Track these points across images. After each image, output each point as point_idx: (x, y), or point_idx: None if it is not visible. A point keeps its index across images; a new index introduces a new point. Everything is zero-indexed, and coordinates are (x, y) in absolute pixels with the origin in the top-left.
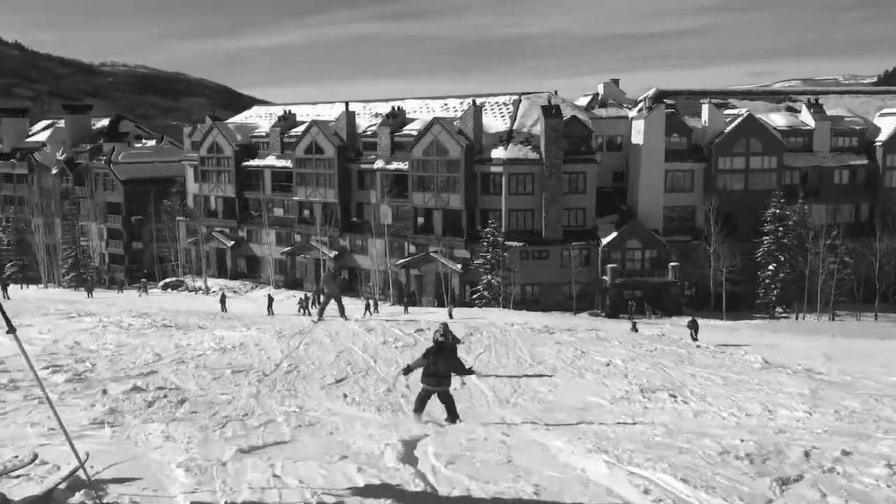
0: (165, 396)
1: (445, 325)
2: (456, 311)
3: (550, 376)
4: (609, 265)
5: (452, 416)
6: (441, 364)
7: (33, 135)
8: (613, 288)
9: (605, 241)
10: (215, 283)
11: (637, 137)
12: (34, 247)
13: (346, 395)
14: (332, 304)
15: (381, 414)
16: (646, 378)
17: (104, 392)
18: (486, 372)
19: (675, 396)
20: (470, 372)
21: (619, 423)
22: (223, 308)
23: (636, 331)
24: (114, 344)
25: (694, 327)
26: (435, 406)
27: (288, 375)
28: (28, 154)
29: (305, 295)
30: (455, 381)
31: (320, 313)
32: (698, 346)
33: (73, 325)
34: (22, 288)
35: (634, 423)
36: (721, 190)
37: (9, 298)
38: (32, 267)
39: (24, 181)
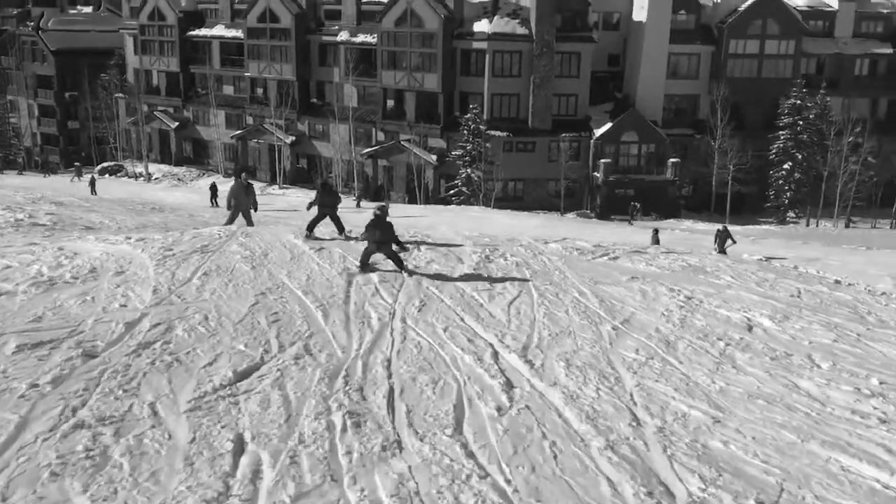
0: None
1: (383, 207)
2: (414, 208)
3: (683, 373)
4: (602, 160)
5: (399, 266)
6: (379, 234)
7: None
8: (606, 186)
9: (598, 132)
10: (158, 169)
11: (639, 14)
12: None
13: (231, 478)
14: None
15: None
16: (874, 377)
17: None
18: (542, 348)
19: None
20: (405, 247)
21: None
22: (93, 191)
23: (658, 242)
24: None
25: (723, 238)
26: None
27: (136, 360)
28: None
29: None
30: (505, 398)
31: (228, 223)
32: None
33: None
34: None
35: None
36: (730, 77)
37: None
38: None
39: None
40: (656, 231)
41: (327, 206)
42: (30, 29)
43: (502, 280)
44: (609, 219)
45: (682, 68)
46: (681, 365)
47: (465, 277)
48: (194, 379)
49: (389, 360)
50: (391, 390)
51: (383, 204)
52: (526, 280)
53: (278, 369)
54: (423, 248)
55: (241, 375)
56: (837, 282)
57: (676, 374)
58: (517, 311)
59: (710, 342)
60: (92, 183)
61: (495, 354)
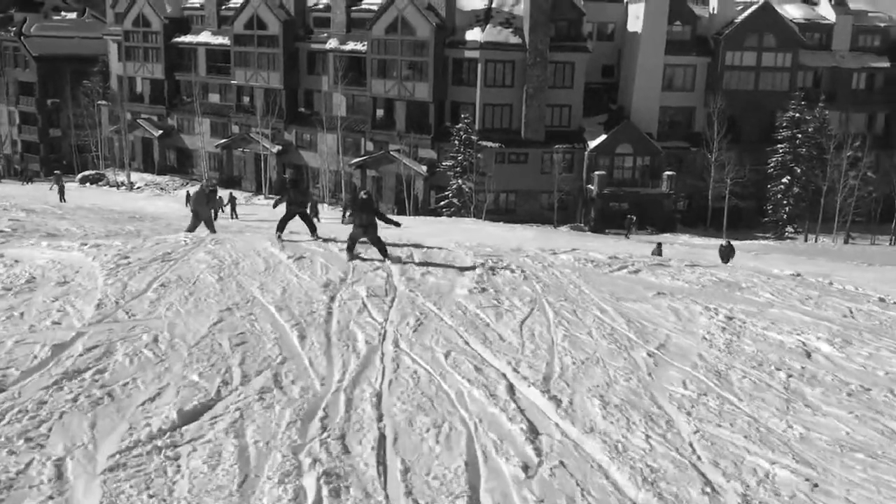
0: None
1: (369, 191)
2: (404, 220)
3: (749, 414)
4: (596, 172)
5: (384, 254)
6: (365, 217)
7: None
8: (600, 198)
9: (592, 144)
10: (140, 178)
11: (634, 24)
12: None
13: None
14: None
15: None
16: None
17: None
18: (568, 380)
19: None
20: (395, 223)
21: None
22: (61, 198)
23: (661, 254)
24: None
25: (728, 254)
26: None
27: (55, 395)
28: None
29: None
30: (531, 450)
31: (189, 230)
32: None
33: None
34: None
35: None
36: (727, 89)
37: None
38: None
39: None
40: (659, 245)
41: (296, 203)
42: (12, 34)
43: (510, 295)
44: (603, 232)
45: (678, 80)
46: (742, 403)
47: (468, 292)
48: (126, 422)
49: (379, 396)
50: (382, 438)
51: (368, 189)
52: (537, 295)
53: (238, 408)
54: (417, 257)
55: (189, 417)
56: (882, 300)
57: (740, 415)
58: (531, 332)
59: (769, 372)
60: (60, 190)
61: (511, 388)
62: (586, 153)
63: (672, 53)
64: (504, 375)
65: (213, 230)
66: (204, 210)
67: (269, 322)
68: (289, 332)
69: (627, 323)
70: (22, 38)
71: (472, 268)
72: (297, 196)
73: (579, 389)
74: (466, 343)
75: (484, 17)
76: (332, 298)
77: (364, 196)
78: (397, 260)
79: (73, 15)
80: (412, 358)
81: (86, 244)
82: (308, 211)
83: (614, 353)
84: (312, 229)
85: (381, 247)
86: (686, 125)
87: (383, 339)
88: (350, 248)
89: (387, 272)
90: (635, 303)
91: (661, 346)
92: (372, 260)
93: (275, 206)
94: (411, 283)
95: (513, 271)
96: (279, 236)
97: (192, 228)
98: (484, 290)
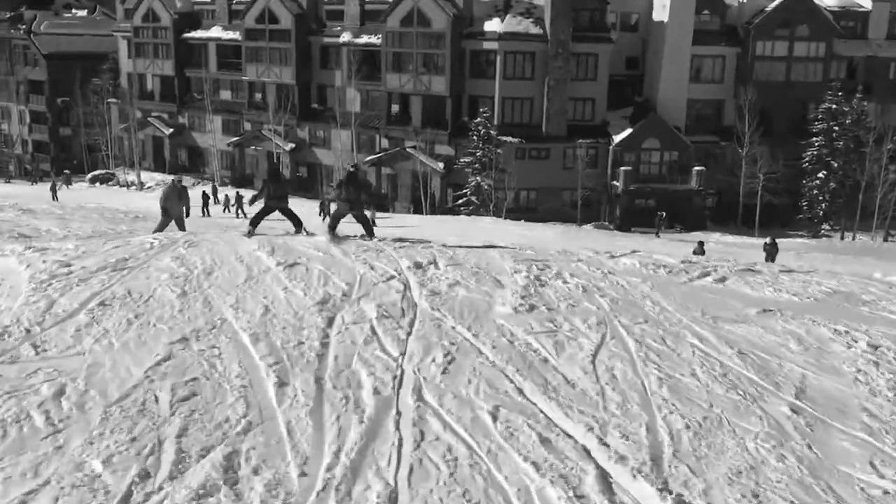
0: None
1: (358, 164)
2: (419, 218)
3: None
4: (621, 168)
5: (369, 233)
6: (352, 192)
7: None
8: (626, 195)
9: (617, 138)
10: (151, 177)
11: (660, 13)
12: None
13: None
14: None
15: None
16: None
17: None
18: (687, 461)
19: None
20: (381, 197)
21: None
22: (54, 197)
23: (703, 253)
24: None
25: (772, 252)
26: None
27: None
28: None
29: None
30: None
31: (158, 230)
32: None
33: None
34: None
35: None
36: (757, 81)
37: None
38: None
39: None
40: (701, 243)
41: (276, 198)
42: (22, 32)
43: (569, 315)
44: (630, 230)
45: (706, 71)
46: None
47: (512, 310)
48: None
49: (394, 499)
50: None
51: (358, 163)
52: (606, 315)
53: None
54: (441, 263)
55: None
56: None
57: None
58: (609, 372)
59: None
60: (53, 188)
61: (605, 480)
62: (611, 148)
63: (700, 44)
64: (588, 453)
65: (183, 229)
66: (175, 207)
67: (236, 360)
68: (263, 377)
69: (740, 356)
70: (32, 35)
71: (513, 276)
72: (276, 190)
73: (715, 481)
74: (520, 391)
75: (503, 7)
76: (331, 322)
77: (352, 169)
78: (417, 266)
79: (83, 12)
80: (443, 420)
81: (30, 248)
82: (289, 205)
83: (740, 407)
84: (297, 224)
85: (368, 225)
86: (715, 118)
87: (399, 386)
88: (332, 228)
89: (403, 283)
90: (738, 324)
91: (802, 394)
92: (363, 243)
93: (252, 201)
94: (436, 297)
95: (566, 281)
96: (251, 231)
97: (161, 228)
98: (533, 307)
